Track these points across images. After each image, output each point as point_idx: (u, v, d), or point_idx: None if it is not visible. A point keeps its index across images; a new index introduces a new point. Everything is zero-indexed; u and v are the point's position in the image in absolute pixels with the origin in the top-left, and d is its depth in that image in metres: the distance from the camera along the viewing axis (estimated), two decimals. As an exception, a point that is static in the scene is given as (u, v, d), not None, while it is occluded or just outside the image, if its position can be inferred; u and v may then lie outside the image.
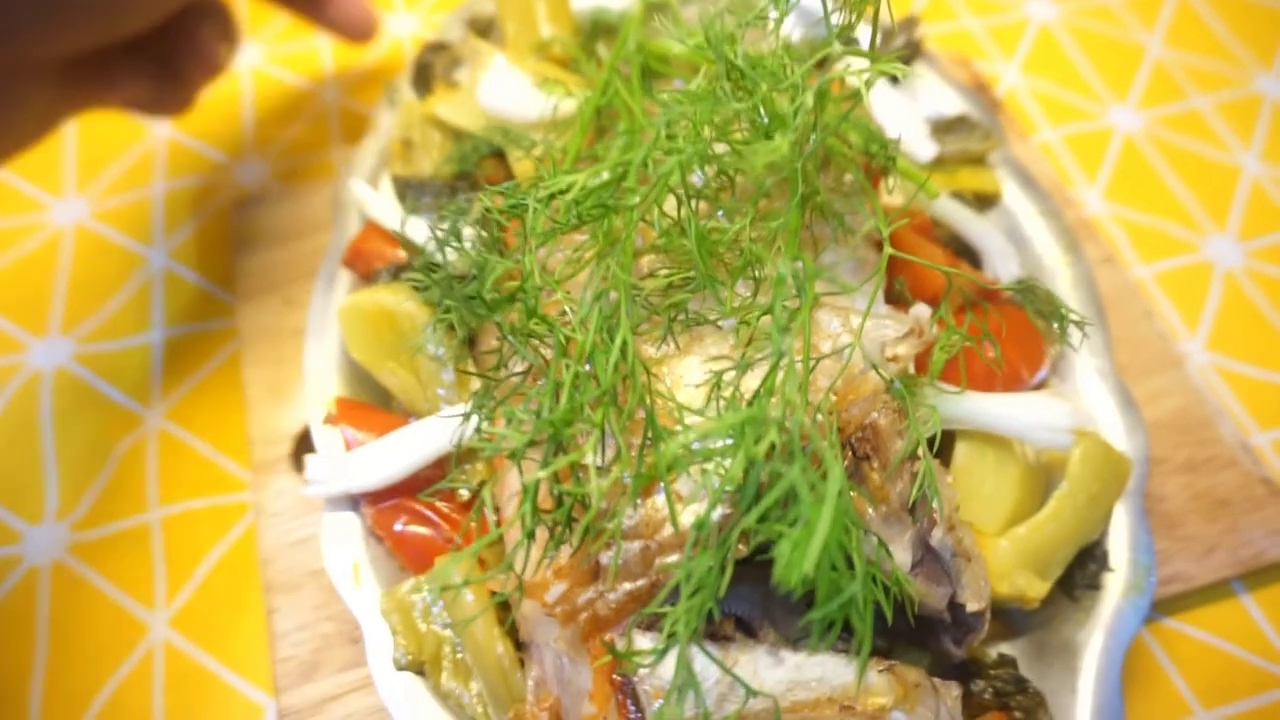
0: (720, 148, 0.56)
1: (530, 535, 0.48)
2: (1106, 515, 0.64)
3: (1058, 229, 0.79)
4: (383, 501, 0.65)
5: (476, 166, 0.76)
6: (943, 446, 0.59)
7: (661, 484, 0.49)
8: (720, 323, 0.56)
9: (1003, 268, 0.75)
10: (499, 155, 0.76)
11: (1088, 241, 0.86)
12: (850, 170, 0.61)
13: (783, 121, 0.53)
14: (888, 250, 0.55)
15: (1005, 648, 0.63)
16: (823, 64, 0.53)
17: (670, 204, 0.56)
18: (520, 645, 0.57)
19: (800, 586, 0.37)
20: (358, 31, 0.89)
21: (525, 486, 0.46)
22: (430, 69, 0.85)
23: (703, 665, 0.47)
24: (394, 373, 0.69)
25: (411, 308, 0.66)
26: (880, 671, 0.47)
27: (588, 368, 0.50)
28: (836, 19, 0.52)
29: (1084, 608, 0.62)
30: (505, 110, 0.76)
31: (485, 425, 0.54)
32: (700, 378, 0.53)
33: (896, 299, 0.64)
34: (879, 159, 0.62)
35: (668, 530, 0.49)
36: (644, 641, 0.48)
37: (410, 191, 0.75)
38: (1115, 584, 0.62)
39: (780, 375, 0.47)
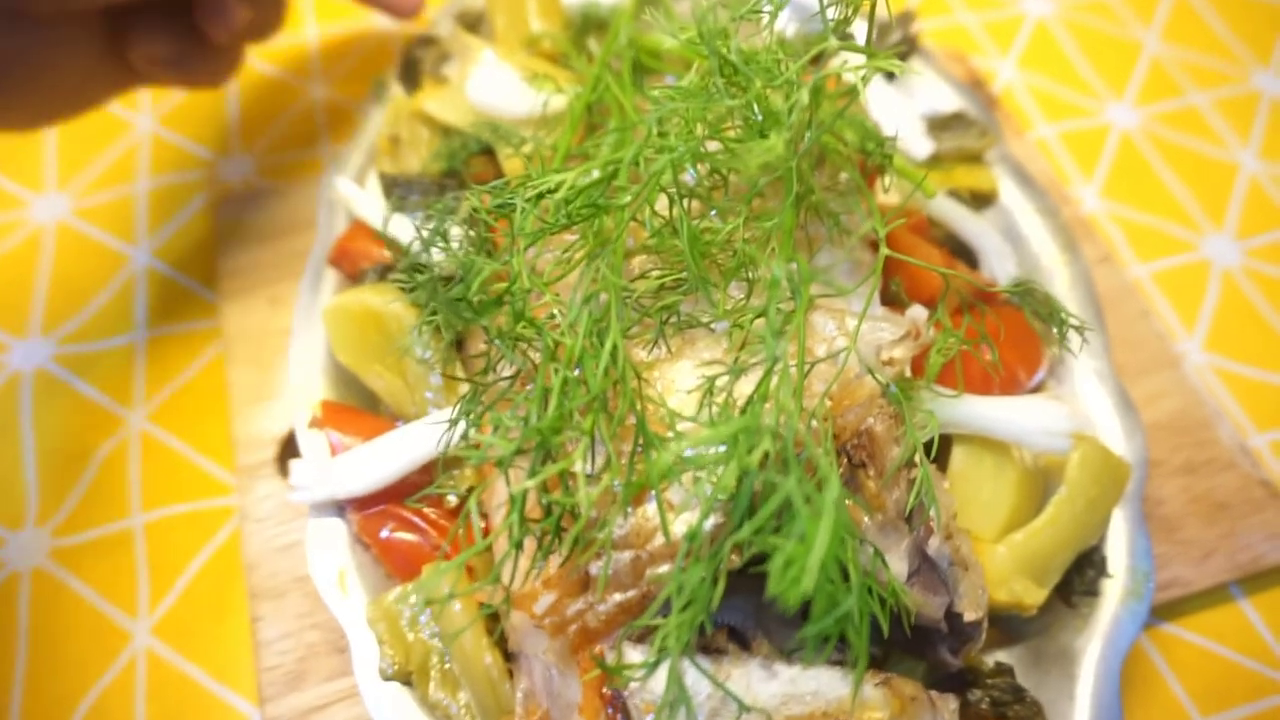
0: (713, 145, 0.54)
1: (518, 546, 0.47)
2: (1105, 520, 0.63)
3: (1055, 228, 0.78)
4: (369, 507, 0.63)
5: (465, 164, 0.75)
6: (939, 451, 0.58)
7: (652, 492, 0.48)
8: (713, 325, 0.55)
9: (1000, 267, 0.74)
10: (488, 152, 0.75)
11: (1085, 240, 0.85)
12: (846, 169, 0.60)
13: (777, 119, 0.52)
14: (884, 251, 0.54)
15: (1002, 655, 0.62)
16: (818, 60, 0.51)
17: (662, 203, 0.55)
18: (509, 655, 0.56)
19: (796, 602, 0.36)
20: (406, 6, 0.88)
21: (512, 496, 0.45)
22: (418, 64, 0.83)
23: (694, 679, 0.45)
24: (380, 375, 0.68)
25: (398, 309, 0.65)
26: (876, 685, 0.46)
27: (577, 373, 0.48)
28: (832, 14, 0.51)
29: (1082, 614, 0.61)
30: (494, 106, 0.74)
31: (472, 432, 0.52)
32: (693, 382, 0.52)
33: (893, 300, 0.63)
34: (875, 157, 0.61)
35: (659, 540, 0.48)
36: (635, 655, 0.47)
37: (397, 189, 0.74)
38: (1113, 590, 0.62)
39: (774, 380, 0.46)
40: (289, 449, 0.75)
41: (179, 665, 0.69)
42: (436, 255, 0.62)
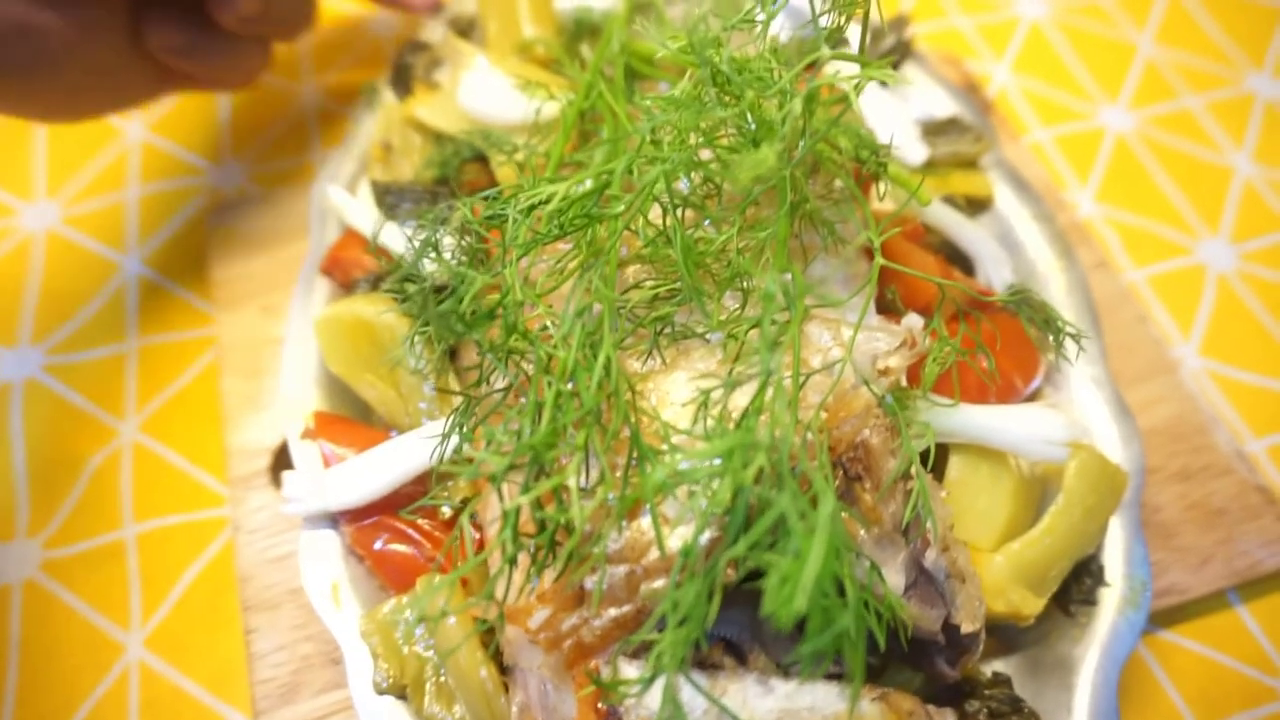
0: (706, 154, 0.54)
1: (512, 561, 0.46)
2: (1102, 529, 0.63)
3: (1050, 234, 0.77)
4: (362, 519, 0.63)
5: (458, 171, 0.74)
6: (936, 460, 0.58)
7: (647, 506, 0.47)
8: (708, 336, 0.54)
9: (995, 274, 0.74)
10: (481, 159, 0.74)
11: (1080, 246, 0.85)
12: (840, 177, 0.59)
13: (770, 128, 0.51)
14: (879, 260, 0.53)
15: (1000, 665, 0.62)
16: (811, 67, 0.51)
17: (655, 213, 0.54)
18: (505, 669, 0.56)
19: (791, 620, 0.36)
20: (426, 2, 0.88)
21: (505, 512, 0.45)
22: (410, 70, 0.83)
23: (690, 696, 0.45)
24: (373, 385, 0.67)
25: (391, 319, 0.65)
26: (873, 700, 0.46)
27: (570, 386, 0.48)
28: (825, 21, 0.51)
29: (1079, 624, 0.61)
30: (486, 112, 0.74)
31: (465, 447, 0.52)
32: (687, 395, 0.51)
33: (888, 309, 0.63)
34: (870, 165, 0.60)
35: (654, 554, 0.48)
36: (630, 670, 0.47)
37: (389, 197, 0.73)
38: (1111, 599, 0.61)
39: (769, 393, 0.45)
40: (283, 459, 0.74)
41: (172, 678, 0.69)
42: (428, 265, 0.61)
